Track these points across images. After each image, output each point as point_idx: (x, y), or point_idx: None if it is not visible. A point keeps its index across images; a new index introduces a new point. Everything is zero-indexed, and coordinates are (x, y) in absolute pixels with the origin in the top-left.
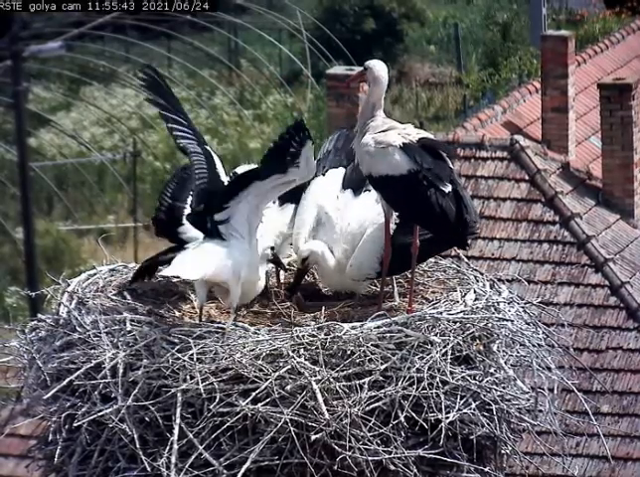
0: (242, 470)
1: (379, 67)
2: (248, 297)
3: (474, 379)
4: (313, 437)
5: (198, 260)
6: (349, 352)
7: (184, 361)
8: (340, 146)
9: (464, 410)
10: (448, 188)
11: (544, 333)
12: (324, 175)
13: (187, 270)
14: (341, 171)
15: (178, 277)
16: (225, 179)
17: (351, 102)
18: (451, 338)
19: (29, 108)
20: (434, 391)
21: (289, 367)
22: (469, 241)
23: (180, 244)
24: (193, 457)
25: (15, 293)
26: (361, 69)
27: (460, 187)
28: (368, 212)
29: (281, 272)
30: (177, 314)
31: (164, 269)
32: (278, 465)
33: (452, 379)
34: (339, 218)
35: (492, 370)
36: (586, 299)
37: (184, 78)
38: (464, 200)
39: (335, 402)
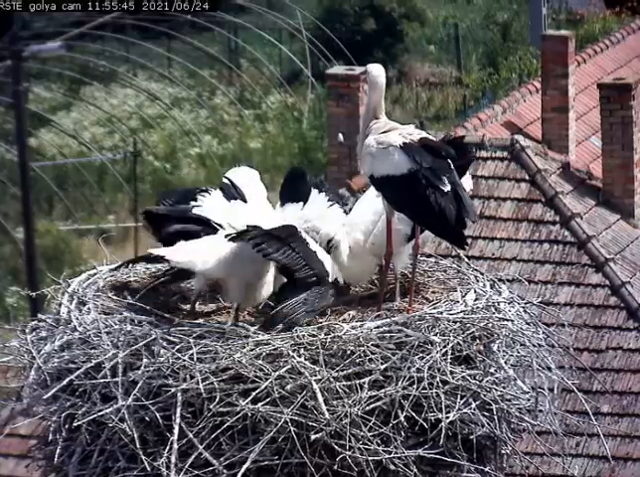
0: (242, 470)
1: (375, 72)
2: (252, 300)
3: (474, 378)
4: (313, 437)
5: (192, 250)
6: (349, 352)
7: (184, 360)
8: None
9: (464, 410)
10: (447, 187)
11: (544, 333)
12: None
13: (176, 255)
14: None
15: (164, 258)
16: None
17: (351, 102)
18: (451, 338)
19: (29, 108)
20: (434, 390)
21: (289, 366)
22: (468, 241)
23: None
24: (193, 457)
25: (15, 293)
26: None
27: (460, 187)
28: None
29: None
30: (177, 314)
31: (156, 249)
32: (278, 465)
33: (452, 378)
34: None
35: (492, 370)
36: (587, 299)
37: (184, 77)
38: (463, 199)
39: (335, 402)
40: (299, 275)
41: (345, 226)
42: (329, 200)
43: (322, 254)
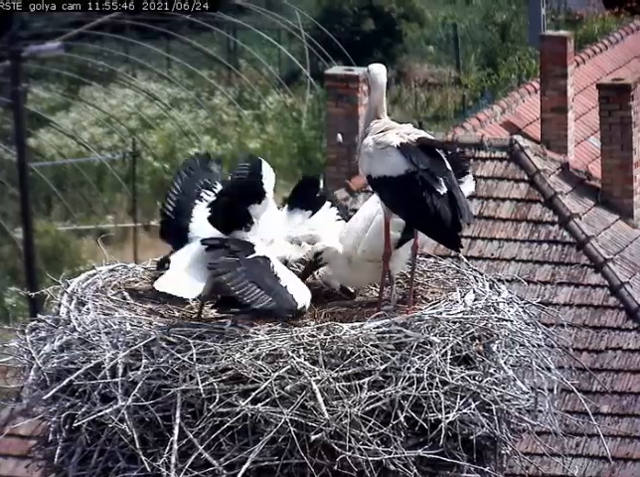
0: (242, 470)
1: (375, 70)
2: None
3: (474, 379)
4: (313, 437)
5: (192, 277)
6: (348, 352)
7: (183, 361)
8: None
9: (464, 411)
10: (444, 189)
11: (543, 333)
12: None
13: (182, 289)
14: None
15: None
16: None
17: (350, 103)
18: (451, 338)
19: (28, 108)
20: (434, 391)
21: (289, 367)
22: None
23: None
24: (193, 457)
25: (15, 293)
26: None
27: (456, 188)
28: (374, 207)
29: None
30: (176, 314)
31: (158, 282)
32: (278, 465)
33: (452, 379)
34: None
35: (492, 370)
36: (586, 299)
37: (183, 78)
38: (459, 202)
39: (335, 403)
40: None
41: (340, 234)
42: (338, 214)
43: (287, 280)
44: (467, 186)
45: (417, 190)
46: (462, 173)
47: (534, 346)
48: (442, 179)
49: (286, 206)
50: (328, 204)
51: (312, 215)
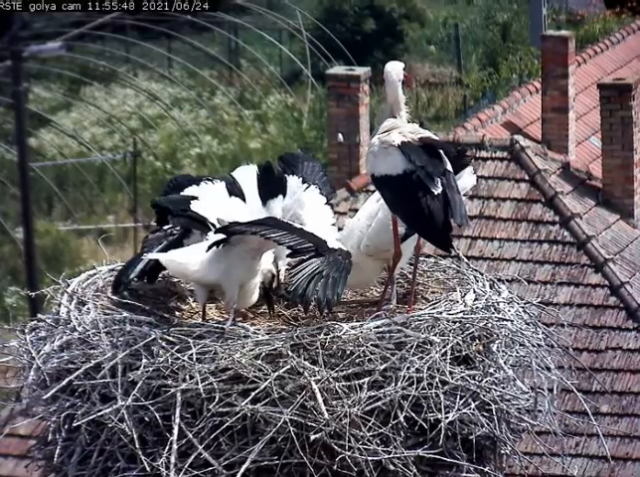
0: (242, 470)
1: (388, 68)
2: (246, 301)
3: (474, 379)
4: (313, 437)
5: (183, 259)
6: (348, 352)
7: (183, 361)
8: None
9: (464, 410)
10: (439, 190)
11: (543, 333)
12: None
13: (170, 260)
14: None
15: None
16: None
17: (351, 103)
18: (451, 338)
19: (29, 108)
20: (434, 391)
21: (289, 367)
22: (454, 244)
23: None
24: (192, 457)
25: (15, 293)
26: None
27: (452, 189)
28: (375, 204)
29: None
30: (176, 314)
31: (152, 254)
32: (278, 465)
33: (452, 379)
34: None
35: (491, 370)
36: (586, 299)
37: (184, 78)
38: (452, 203)
39: (334, 402)
40: (296, 248)
41: (341, 238)
42: (303, 181)
43: (311, 229)
44: (466, 179)
45: (412, 189)
46: (462, 166)
47: (534, 346)
48: (439, 179)
49: (259, 203)
50: (291, 177)
51: (283, 197)
